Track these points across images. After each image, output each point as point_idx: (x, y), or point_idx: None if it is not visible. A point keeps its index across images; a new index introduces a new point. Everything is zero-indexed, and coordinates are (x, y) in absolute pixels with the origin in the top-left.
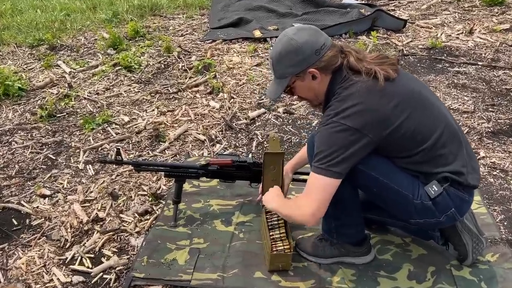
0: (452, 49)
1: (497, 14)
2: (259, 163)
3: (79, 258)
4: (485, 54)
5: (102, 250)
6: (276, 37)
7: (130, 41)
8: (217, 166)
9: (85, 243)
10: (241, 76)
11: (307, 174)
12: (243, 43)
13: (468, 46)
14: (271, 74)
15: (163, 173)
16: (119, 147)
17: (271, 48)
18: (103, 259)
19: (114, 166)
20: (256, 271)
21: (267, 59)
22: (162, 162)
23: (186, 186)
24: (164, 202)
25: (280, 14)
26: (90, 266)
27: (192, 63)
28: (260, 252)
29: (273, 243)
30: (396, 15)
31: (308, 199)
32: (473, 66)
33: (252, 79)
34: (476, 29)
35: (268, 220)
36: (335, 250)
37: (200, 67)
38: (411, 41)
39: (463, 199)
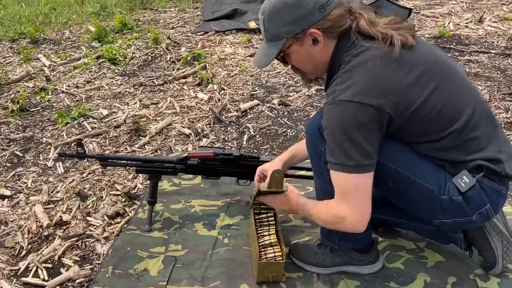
0: (462, 37)
1: (507, 3)
2: (246, 156)
3: (34, 268)
4: (497, 42)
5: (62, 259)
6: None
7: (117, 34)
8: (197, 159)
9: (43, 250)
10: (233, 67)
11: (306, 169)
12: (237, 34)
13: (479, 35)
14: (262, 36)
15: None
16: (80, 139)
17: None
18: (62, 270)
19: (86, 162)
20: (242, 283)
21: None
22: (133, 156)
23: (165, 185)
24: (139, 203)
25: None
26: (46, 278)
27: (181, 55)
28: (247, 261)
29: (262, 249)
30: (400, 4)
31: (344, 204)
32: (486, 54)
33: (245, 69)
34: (486, 18)
35: (257, 222)
36: (337, 257)
37: (189, 58)
38: (417, 31)
39: (500, 193)
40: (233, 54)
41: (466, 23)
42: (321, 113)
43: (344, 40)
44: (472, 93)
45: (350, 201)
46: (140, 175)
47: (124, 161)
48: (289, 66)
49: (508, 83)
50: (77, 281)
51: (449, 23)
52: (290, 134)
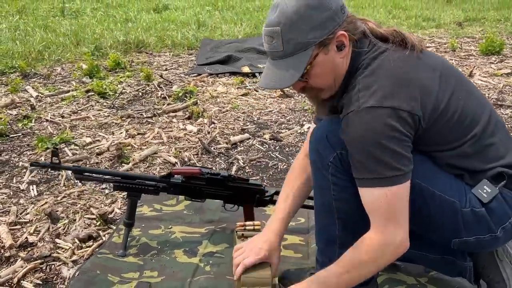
0: None
1: (495, 62)
2: (235, 178)
3: None
4: (488, 94)
5: (21, 282)
6: None
7: (110, 72)
8: (181, 177)
9: (1, 272)
10: (225, 104)
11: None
12: (230, 77)
13: None
14: (275, 51)
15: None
16: (56, 148)
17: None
18: None
19: (61, 186)
20: None
21: (255, 90)
22: (112, 170)
23: (145, 209)
24: (114, 228)
25: None
26: None
27: (172, 91)
28: None
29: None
30: None
31: (391, 225)
32: None
33: (237, 107)
34: (475, 73)
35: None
36: None
37: (180, 94)
38: None
39: None
40: (226, 93)
41: None
42: (331, 123)
43: (361, 43)
44: (485, 99)
45: (398, 218)
46: (119, 200)
47: (101, 175)
48: (301, 87)
49: None
50: None
51: None
52: (281, 167)
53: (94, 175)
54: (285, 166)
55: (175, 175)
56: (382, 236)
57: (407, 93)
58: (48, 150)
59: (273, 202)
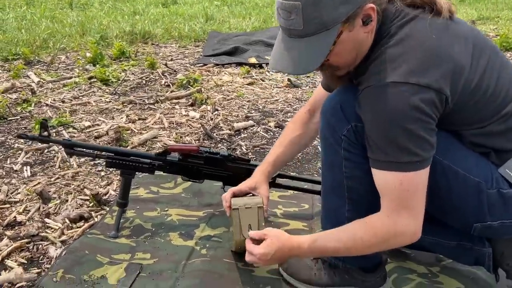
0: None
1: (510, 58)
2: (236, 158)
3: None
4: None
5: (6, 261)
6: None
7: (114, 61)
8: (178, 154)
9: None
10: (229, 92)
11: (291, 177)
12: (236, 68)
13: None
14: (292, 29)
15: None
16: (45, 119)
17: (267, 72)
18: (3, 273)
19: (56, 168)
20: None
21: (261, 79)
22: (105, 146)
23: (141, 192)
24: (108, 209)
25: None
26: None
27: (177, 80)
28: (227, 274)
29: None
30: None
31: (403, 212)
32: None
33: (241, 95)
34: None
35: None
36: (336, 276)
37: (184, 82)
38: None
39: None
40: (231, 82)
41: None
42: (346, 92)
43: (387, 10)
44: None
45: (410, 206)
46: (115, 182)
47: (93, 151)
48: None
49: None
50: (18, 285)
51: None
52: None
53: (86, 150)
54: None
55: (172, 153)
56: (393, 223)
57: (437, 69)
58: None
59: (276, 185)
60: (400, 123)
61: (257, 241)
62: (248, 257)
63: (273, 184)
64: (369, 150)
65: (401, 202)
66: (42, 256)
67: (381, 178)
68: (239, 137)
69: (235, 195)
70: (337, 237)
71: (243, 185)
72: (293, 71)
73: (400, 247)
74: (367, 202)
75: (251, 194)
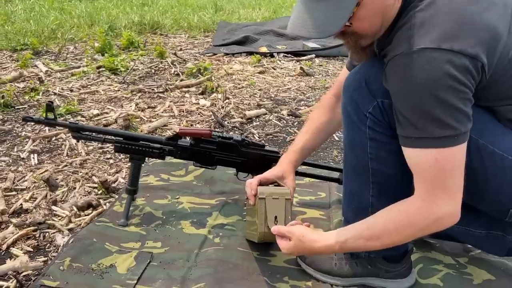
0: None
1: None
2: (250, 143)
3: None
4: None
5: (11, 248)
6: (285, 53)
7: (123, 51)
8: (190, 139)
9: None
10: (240, 81)
11: (307, 164)
12: (247, 57)
13: None
14: None
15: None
16: (51, 102)
17: (279, 61)
18: (8, 261)
19: (64, 156)
20: None
21: (273, 68)
22: (114, 130)
23: (151, 179)
24: (117, 197)
25: (289, 38)
26: None
27: (186, 68)
28: (242, 263)
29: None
30: None
31: (439, 193)
32: None
33: (253, 84)
34: None
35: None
36: (358, 266)
37: (194, 70)
38: None
39: None
40: (242, 71)
41: None
42: (372, 65)
43: None
44: None
45: (447, 187)
46: (124, 170)
47: (101, 135)
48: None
49: None
50: (23, 273)
51: None
52: None
53: (94, 134)
54: None
55: (183, 137)
56: (429, 207)
57: (472, 34)
58: None
59: None
60: (433, 92)
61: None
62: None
63: None
64: (398, 127)
65: (437, 182)
66: (48, 244)
67: (414, 157)
68: (251, 125)
69: (261, 184)
70: (370, 233)
71: (269, 173)
72: (313, 34)
73: (425, 236)
74: (394, 186)
75: (277, 183)
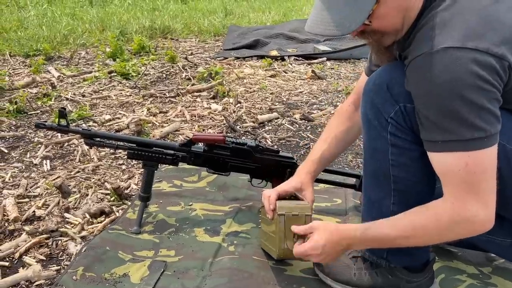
0: None
1: None
2: (264, 149)
3: None
4: None
5: (24, 257)
6: (296, 57)
7: (134, 56)
8: (203, 145)
9: (2, 246)
10: (252, 84)
11: (329, 171)
12: (258, 60)
13: None
14: None
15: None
16: (63, 108)
17: (290, 64)
18: (21, 270)
19: (76, 162)
20: None
21: (284, 72)
22: (127, 136)
23: (164, 185)
24: (130, 203)
25: (300, 41)
26: None
27: (197, 73)
28: (257, 273)
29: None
30: None
31: (470, 198)
32: None
33: (264, 87)
34: None
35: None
36: (379, 276)
37: (205, 75)
38: None
39: None
40: (253, 75)
41: None
42: (393, 69)
43: None
44: None
45: (478, 191)
46: (137, 176)
47: (114, 142)
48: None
49: None
50: (36, 283)
51: None
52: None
53: (107, 140)
54: None
55: (196, 143)
56: (458, 211)
57: (498, 34)
58: None
59: None
60: (458, 92)
61: (303, 239)
62: (297, 252)
63: None
64: (423, 131)
65: (468, 187)
66: (61, 253)
67: (441, 161)
68: (263, 129)
69: (280, 197)
70: (393, 224)
71: (288, 185)
72: (332, 32)
73: (446, 244)
74: (416, 194)
75: (295, 195)
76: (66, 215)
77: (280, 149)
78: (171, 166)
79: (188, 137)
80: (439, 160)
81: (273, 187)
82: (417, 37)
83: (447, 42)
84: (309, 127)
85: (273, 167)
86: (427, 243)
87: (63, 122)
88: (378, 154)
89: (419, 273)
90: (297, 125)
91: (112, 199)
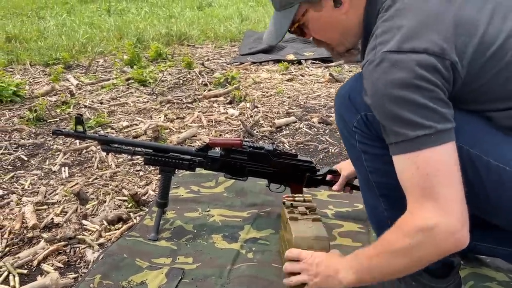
0: None
1: None
2: (282, 153)
3: (6, 273)
4: None
5: (42, 264)
6: (313, 60)
7: (151, 63)
8: (220, 149)
9: (21, 253)
10: (268, 89)
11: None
12: (274, 65)
13: None
14: (271, 2)
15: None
16: (80, 114)
17: (307, 68)
18: (39, 278)
19: (94, 168)
20: None
21: (301, 75)
22: (144, 142)
23: (181, 191)
24: (147, 210)
25: None
26: (17, 286)
27: (214, 78)
28: (276, 280)
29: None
30: None
31: (428, 204)
32: None
33: (281, 91)
34: None
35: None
36: (401, 283)
37: (222, 80)
38: None
39: None
40: (270, 79)
41: None
42: (356, 79)
43: None
44: None
45: (437, 197)
46: (154, 182)
47: (131, 148)
48: (310, 39)
49: None
50: None
51: None
52: (333, 151)
53: (124, 146)
54: (336, 150)
55: (213, 147)
56: (417, 219)
57: (435, 31)
58: None
59: (326, 183)
60: (400, 94)
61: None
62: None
63: (322, 182)
64: (384, 137)
65: (422, 191)
66: (79, 260)
67: (397, 167)
68: (281, 134)
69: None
70: (368, 252)
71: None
72: (267, 41)
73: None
74: (402, 197)
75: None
76: (83, 222)
77: (298, 153)
78: (188, 172)
79: (205, 142)
80: (396, 165)
81: (291, 192)
82: (367, 48)
83: (387, 47)
84: (327, 130)
85: (291, 171)
86: (402, 268)
87: (80, 128)
88: (356, 162)
89: (443, 279)
90: (315, 129)
91: (129, 205)
